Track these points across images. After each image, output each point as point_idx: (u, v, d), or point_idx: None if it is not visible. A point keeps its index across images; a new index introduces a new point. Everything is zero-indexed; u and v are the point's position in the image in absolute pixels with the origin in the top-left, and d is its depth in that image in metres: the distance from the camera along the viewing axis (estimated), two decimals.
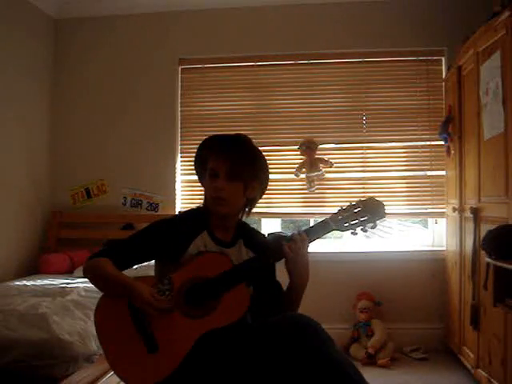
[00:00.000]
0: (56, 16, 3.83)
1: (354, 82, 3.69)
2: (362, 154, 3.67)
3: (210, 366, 1.44)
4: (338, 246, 3.76)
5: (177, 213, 3.61)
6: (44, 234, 3.70)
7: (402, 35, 3.57)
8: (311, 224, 3.92)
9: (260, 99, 3.76)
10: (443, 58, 3.58)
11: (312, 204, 3.69)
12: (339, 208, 1.60)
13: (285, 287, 1.64)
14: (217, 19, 3.74)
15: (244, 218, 1.72)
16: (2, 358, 1.93)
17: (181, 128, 3.79)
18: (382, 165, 3.66)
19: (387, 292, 3.44)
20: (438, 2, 3.53)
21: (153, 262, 1.68)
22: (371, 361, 3.10)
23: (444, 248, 3.47)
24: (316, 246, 3.44)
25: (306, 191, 3.65)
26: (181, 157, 3.79)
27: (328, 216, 1.60)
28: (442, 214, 3.51)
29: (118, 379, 2.23)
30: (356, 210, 1.58)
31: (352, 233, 1.58)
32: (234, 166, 1.56)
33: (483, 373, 2.47)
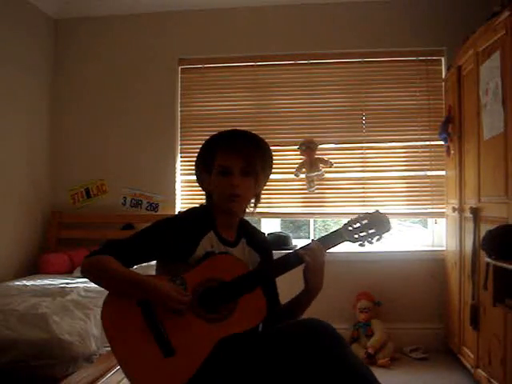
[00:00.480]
0: (56, 16, 3.84)
1: (354, 81, 3.69)
2: (361, 154, 3.67)
3: (229, 371, 1.41)
4: (338, 246, 3.75)
5: (177, 212, 3.61)
6: (44, 234, 3.70)
7: (402, 35, 3.57)
8: (311, 224, 3.95)
9: (260, 99, 3.76)
10: (443, 58, 3.58)
11: (312, 204, 3.69)
12: (349, 219, 1.63)
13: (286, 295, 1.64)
14: (217, 19, 3.75)
15: (253, 213, 1.70)
16: (2, 358, 1.93)
17: (181, 128, 3.80)
18: (381, 165, 3.66)
19: (387, 292, 3.44)
20: (438, 2, 3.53)
21: (152, 262, 1.63)
22: (371, 361, 3.10)
23: (444, 248, 3.46)
24: None
25: (305, 191, 3.65)
26: (181, 157, 3.79)
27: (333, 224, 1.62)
28: (441, 214, 3.51)
29: (118, 379, 2.24)
30: (364, 222, 1.61)
31: (360, 244, 1.61)
32: (247, 161, 1.56)
33: (483, 373, 2.47)
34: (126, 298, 1.46)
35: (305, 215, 3.78)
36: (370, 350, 3.14)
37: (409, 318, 3.46)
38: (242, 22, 3.73)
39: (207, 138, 1.71)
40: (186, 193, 3.79)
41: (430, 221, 3.72)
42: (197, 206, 1.73)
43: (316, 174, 3.60)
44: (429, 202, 3.58)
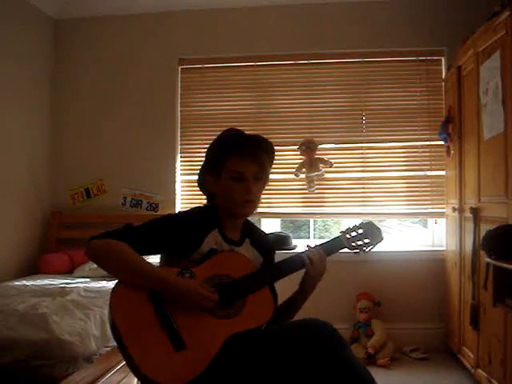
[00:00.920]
0: (56, 16, 3.84)
1: (354, 81, 3.69)
2: (361, 154, 3.67)
3: (236, 368, 1.42)
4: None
5: (177, 212, 3.61)
6: (44, 234, 3.70)
7: (402, 35, 3.57)
8: (311, 224, 3.95)
9: (260, 99, 3.76)
10: (443, 58, 3.58)
11: (312, 204, 3.69)
12: (347, 227, 1.73)
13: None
14: (217, 19, 3.75)
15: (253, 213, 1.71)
16: (2, 358, 1.93)
17: (181, 128, 3.79)
18: (381, 165, 3.66)
19: (387, 292, 3.44)
20: (438, 2, 3.53)
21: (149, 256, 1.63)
22: (371, 361, 3.10)
23: (444, 248, 3.46)
24: None
25: (305, 191, 3.65)
26: (181, 157, 3.78)
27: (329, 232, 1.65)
28: (441, 214, 3.51)
29: (118, 379, 2.25)
30: (360, 232, 1.72)
31: (356, 252, 1.73)
32: (260, 168, 1.60)
33: (483, 373, 2.47)
34: (137, 290, 1.45)
35: (305, 215, 3.78)
36: (370, 350, 3.14)
37: (409, 318, 3.46)
38: (242, 22, 3.73)
39: (210, 138, 1.71)
40: (185, 193, 3.78)
41: (430, 221, 3.72)
42: (200, 205, 1.73)
43: (316, 173, 3.60)
44: (429, 202, 3.58)
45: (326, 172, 3.64)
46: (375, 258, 3.51)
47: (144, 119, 3.78)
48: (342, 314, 3.43)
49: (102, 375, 2.18)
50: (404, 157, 3.67)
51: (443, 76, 3.54)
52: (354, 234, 1.72)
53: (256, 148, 1.61)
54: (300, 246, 3.46)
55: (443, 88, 3.48)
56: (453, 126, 3.10)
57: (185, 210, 1.82)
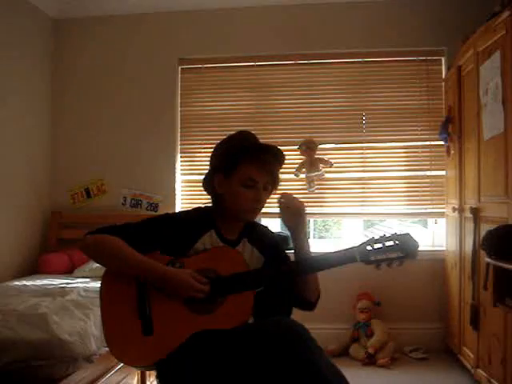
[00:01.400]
0: (56, 16, 3.83)
1: (354, 82, 3.69)
2: (361, 154, 3.67)
3: (198, 363, 1.40)
4: (338, 246, 3.75)
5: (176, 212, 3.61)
6: (44, 234, 3.70)
7: (402, 35, 3.57)
8: (311, 224, 3.95)
9: (260, 99, 3.76)
10: (443, 58, 3.58)
11: (312, 204, 3.68)
12: (369, 238, 1.49)
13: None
14: (217, 19, 3.74)
15: None
16: (2, 358, 1.93)
17: (181, 128, 3.79)
18: (381, 165, 3.66)
19: (387, 292, 3.44)
20: (438, 1, 3.53)
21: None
22: (371, 361, 3.11)
23: (444, 248, 3.46)
24: (315, 246, 3.44)
25: (305, 191, 3.65)
26: (181, 157, 3.77)
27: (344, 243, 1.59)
28: (441, 214, 3.51)
29: (118, 379, 2.25)
30: (388, 244, 1.46)
31: (376, 267, 1.46)
32: (271, 178, 1.65)
33: (483, 373, 2.47)
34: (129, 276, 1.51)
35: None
36: (370, 350, 3.14)
37: (409, 318, 3.46)
38: (242, 22, 3.73)
39: (210, 138, 1.71)
40: (185, 193, 3.77)
41: (430, 221, 3.72)
42: (200, 206, 1.73)
43: (316, 174, 3.60)
44: (429, 202, 3.58)
45: (326, 172, 3.64)
46: None
47: (144, 119, 3.78)
48: (342, 313, 3.43)
49: (102, 375, 2.18)
50: (404, 157, 3.67)
51: (443, 76, 3.54)
52: (378, 245, 1.47)
53: (273, 160, 1.66)
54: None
55: (443, 88, 3.48)
56: (453, 126, 3.10)
57: (185, 210, 1.82)
